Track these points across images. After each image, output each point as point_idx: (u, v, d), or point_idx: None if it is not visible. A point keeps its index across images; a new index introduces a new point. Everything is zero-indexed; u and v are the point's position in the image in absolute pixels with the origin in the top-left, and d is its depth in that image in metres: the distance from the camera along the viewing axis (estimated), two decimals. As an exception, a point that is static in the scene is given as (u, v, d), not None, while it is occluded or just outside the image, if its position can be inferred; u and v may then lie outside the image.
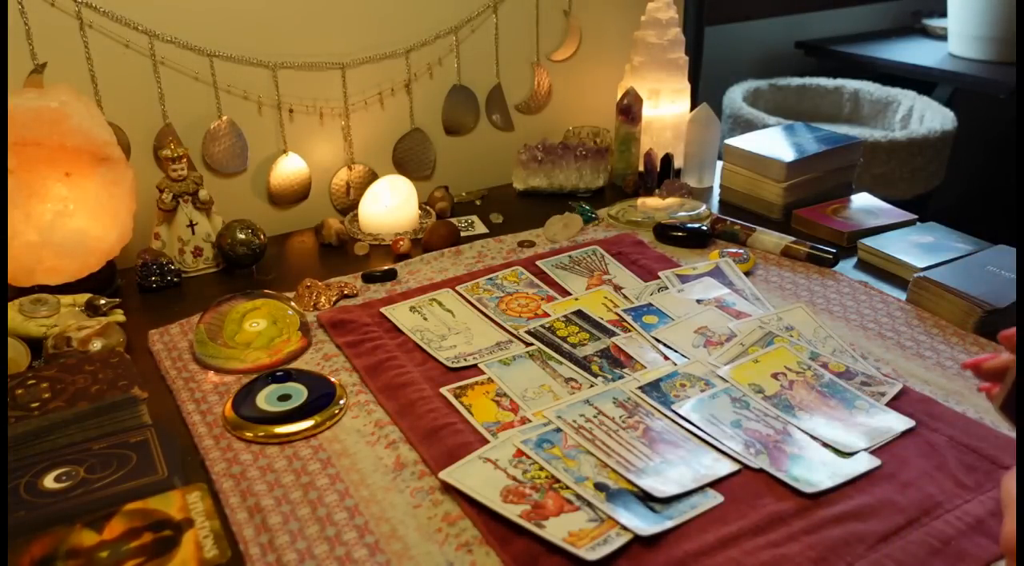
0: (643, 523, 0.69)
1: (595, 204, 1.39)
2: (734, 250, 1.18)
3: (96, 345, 0.94)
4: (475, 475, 0.75)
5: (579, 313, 1.04)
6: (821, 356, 0.94)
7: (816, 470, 0.76)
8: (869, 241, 1.18)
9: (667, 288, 1.10)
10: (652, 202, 1.36)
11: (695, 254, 1.21)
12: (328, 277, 1.15)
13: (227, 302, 1.01)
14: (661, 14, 1.46)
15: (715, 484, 0.75)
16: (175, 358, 0.98)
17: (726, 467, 0.77)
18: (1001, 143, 2.58)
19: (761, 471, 0.76)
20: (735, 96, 2.15)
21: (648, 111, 1.48)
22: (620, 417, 0.83)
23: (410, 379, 0.91)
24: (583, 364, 0.93)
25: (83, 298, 1.02)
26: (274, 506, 0.74)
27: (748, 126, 1.96)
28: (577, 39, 1.51)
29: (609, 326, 1.01)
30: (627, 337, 0.99)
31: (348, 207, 1.38)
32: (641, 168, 1.47)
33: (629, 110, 1.43)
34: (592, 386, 0.89)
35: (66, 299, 1.01)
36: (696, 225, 1.25)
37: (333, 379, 0.92)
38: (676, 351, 0.96)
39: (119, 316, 1.03)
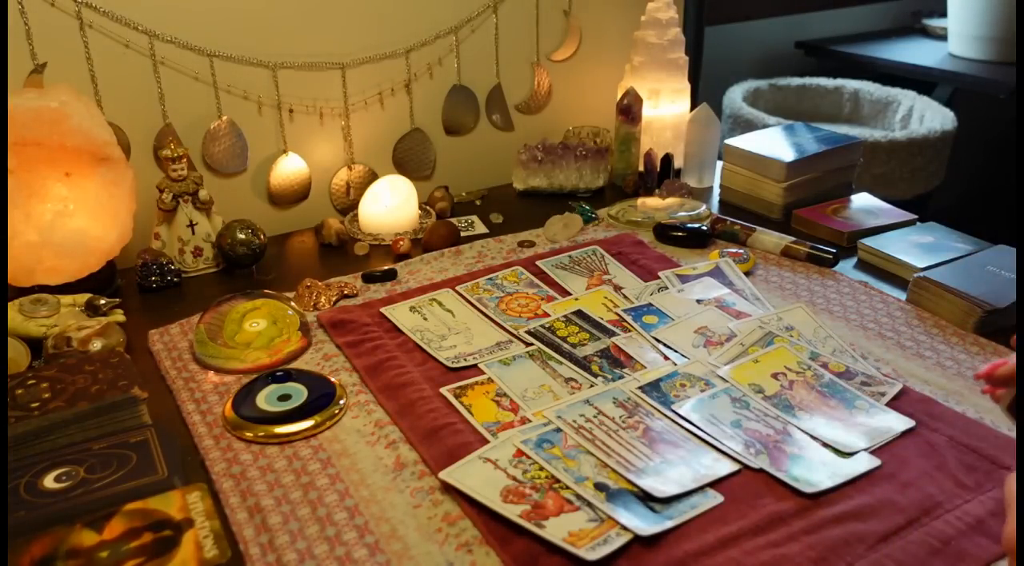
0: (643, 523, 0.69)
1: (595, 204, 1.39)
2: (734, 250, 1.18)
3: (96, 345, 0.94)
4: (475, 475, 0.75)
5: (579, 313, 1.04)
6: (821, 356, 0.93)
7: (816, 470, 0.76)
8: (869, 241, 1.18)
9: (667, 288, 1.10)
10: (652, 202, 1.36)
11: (695, 254, 1.21)
12: (328, 277, 1.15)
13: (227, 302, 1.01)
14: (661, 14, 1.46)
15: (715, 484, 0.75)
16: (175, 358, 0.98)
17: (726, 467, 0.77)
18: (1001, 143, 2.58)
19: (761, 471, 0.77)
20: (735, 96, 2.15)
21: (648, 111, 1.48)
22: (620, 417, 0.83)
23: (410, 379, 0.91)
24: (583, 364, 0.93)
25: (83, 298, 1.02)
26: (274, 506, 0.74)
27: (748, 126, 1.96)
28: (577, 39, 1.51)
29: (609, 326, 1.01)
30: (627, 337, 0.99)
31: (348, 207, 1.38)
32: (641, 168, 1.47)
33: (629, 110, 1.43)
34: (592, 386, 0.89)
35: (66, 299, 1.01)
36: (696, 225, 1.25)
37: (333, 379, 0.92)
38: (676, 351, 0.96)
39: (119, 316, 1.03)
